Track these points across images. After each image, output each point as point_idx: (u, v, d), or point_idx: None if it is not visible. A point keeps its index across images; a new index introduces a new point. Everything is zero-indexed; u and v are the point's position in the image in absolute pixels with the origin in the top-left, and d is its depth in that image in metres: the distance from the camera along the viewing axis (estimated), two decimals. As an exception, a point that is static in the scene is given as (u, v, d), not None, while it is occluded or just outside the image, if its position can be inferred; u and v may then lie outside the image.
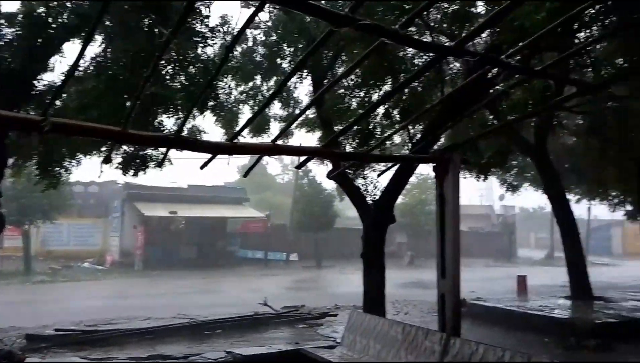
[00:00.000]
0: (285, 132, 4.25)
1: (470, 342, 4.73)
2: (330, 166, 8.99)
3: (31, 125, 3.42)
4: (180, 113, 7.27)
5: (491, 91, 7.43)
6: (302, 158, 5.31)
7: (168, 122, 7.22)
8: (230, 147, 4.15)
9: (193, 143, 4.01)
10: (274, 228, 31.14)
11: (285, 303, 11.32)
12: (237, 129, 9.14)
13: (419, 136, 9.18)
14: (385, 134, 7.67)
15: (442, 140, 12.58)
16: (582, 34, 6.16)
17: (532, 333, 9.12)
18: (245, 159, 49.69)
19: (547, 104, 5.26)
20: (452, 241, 5.08)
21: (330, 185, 30.76)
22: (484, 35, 8.68)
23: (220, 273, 23.28)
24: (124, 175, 6.52)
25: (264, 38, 9.15)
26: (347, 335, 6.46)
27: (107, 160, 4.79)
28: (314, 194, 29.09)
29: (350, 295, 12.96)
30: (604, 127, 11.44)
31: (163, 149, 6.80)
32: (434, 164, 5.33)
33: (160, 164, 4.47)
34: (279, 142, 4.46)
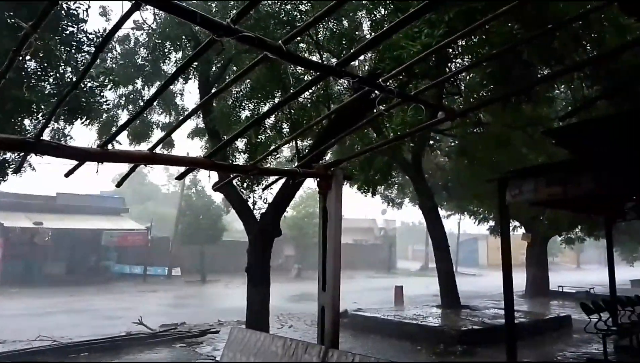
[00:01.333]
0: (165, 141, 4.02)
1: (347, 353, 4.83)
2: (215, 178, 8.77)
3: None
4: (53, 118, 6.60)
5: (374, 111, 7.84)
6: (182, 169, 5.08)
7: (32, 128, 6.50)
8: (101, 154, 3.81)
9: (56, 147, 3.60)
10: (156, 241, 29.54)
11: (164, 321, 10.72)
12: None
13: (307, 151, 9.37)
14: (271, 148, 7.69)
15: (330, 156, 13.02)
16: (453, 65, 6.76)
17: (407, 340, 9.67)
18: (124, 167, 46.57)
19: (418, 127, 5.66)
20: (334, 254, 5.18)
21: (219, 197, 30.10)
22: (368, 59, 9.18)
23: (91, 291, 21.38)
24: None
25: (147, 40, 8.70)
26: (227, 352, 6.25)
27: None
28: (202, 206, 28.20)
29: (234, 310, 12.68)
30: (471, 150, 12.68)
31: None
32: (318, 179, 5.42)
33: (17, 170, 3.95)
34: (158, 150, 4.20)
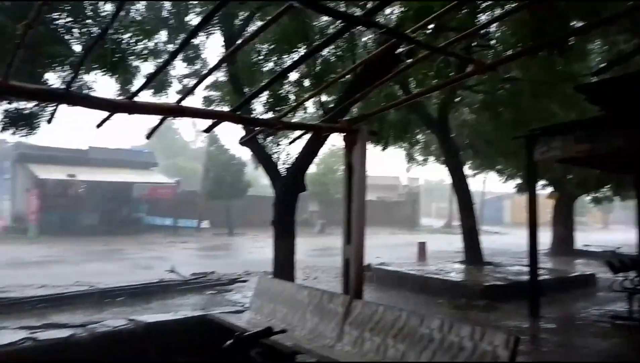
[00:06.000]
0: (190, 93, 4.08)
1: (371, 303, 4.98)
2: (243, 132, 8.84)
3: None
4: (80, 69, 6.70)
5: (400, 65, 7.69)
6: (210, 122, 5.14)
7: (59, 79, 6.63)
8: (130, 105, 3.89)
9: (86, 98, 3.70)
10: (185, 195, 30.25)
11: (194, 270, 11.14)
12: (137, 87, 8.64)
13: (331, 106, 9.31)
14: (295, 102, 7.67)
15: (354, 112, 12.89)
16: (483, 17, 6.53)
17: (429, 294, 9.85)
18: (154, 121, 47.09)
19: (446, 81, 5.55)
20: (358, 209, 5.25)
21: (242, 152, 30.42)
22: (396, 10, 8.90)
23: (124, 241, 22.27)
24: (16, 134, 5.89)
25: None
26: (255, 300, 6.51)
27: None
28: (224, 162, 28.55)
29: (261, 262, 13.05)
30: (499, 106, 12.37)
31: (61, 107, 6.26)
32: (344, 134, 5.43)
33: (50, 121, 4.08)
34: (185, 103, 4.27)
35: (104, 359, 5.59)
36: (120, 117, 4.20)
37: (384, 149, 11.33)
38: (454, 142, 14.64)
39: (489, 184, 42.41)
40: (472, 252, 13.57)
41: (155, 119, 4.57)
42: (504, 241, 26.72)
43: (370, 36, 9.98)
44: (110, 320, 6.27)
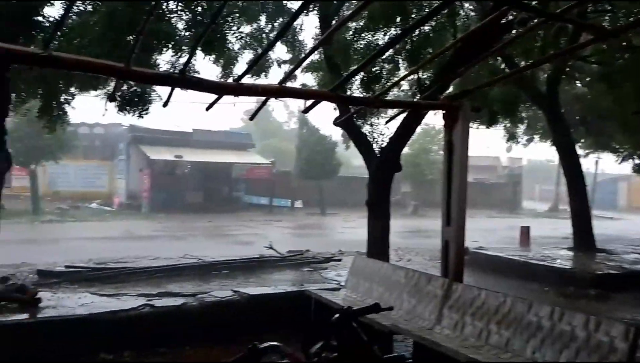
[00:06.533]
0: (292, 74, 4.15)
1: (472, 288, 4.82)
2: (336, 113, 8.85)
3: (31, 58, 3.34)
4: (182, 52, 7.12)
5: (505, 36, 7.19)
6: (309, 103, 5.21)
7: (163, 62, 7.07)
8: (236, 88, 4.06)
9: (198, 82, 3.91)
10: (279, 175, 31.26)
11: (290, 248, 11.52)
12: (236, 70, 8.97)
13: (427, 82, 8.97)
14: (395, 79, 7.49)
15: (451, 88, 12.33)
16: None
17: (533, 282, 9.29)
18: (250, 105, 49.08)
19: (561, 50, 5.07)
20: (459, 189, 5.06)
21: (332, 133, 30.63)
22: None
23: (225, 218, 23.63)
24: (129, 114, 6.43)
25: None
26: (351, 278, 6.59)
27: (112, 98, 4.73)
28: (315, 142, 28.95)
29: (353, 242, 13.14)
30: (617, 78, 11.13)
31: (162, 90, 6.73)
32: (444, 112, 5.23)
33: (165, 104, 4.40)
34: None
35: (212, 327, 6.01)
36: (220, 101, 4.39)
37: (489, 126, 10.72)
38: (564, 118, 13.46)
39: (603, 165, 38.81)
40: (582, 238, 12.52)
41: (251, 102, 4.72)
42: (619, 227, 24.35)
43: (470, 6, 9.44)
44: (217, 291, 6.71)
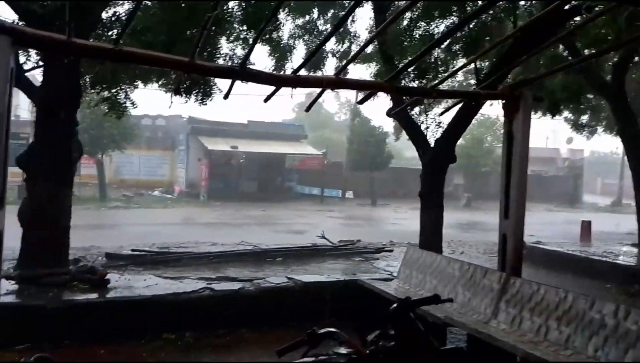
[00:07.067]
0: (348, 65, 4.19)
1: (531, 282, 4.71)
2: (388, 104, 8.80)
3: (102, 53, 3.56)
4: (238, 45, 7.33)
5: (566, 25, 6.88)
6: (362, 94, 5.23)
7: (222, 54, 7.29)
8: (294, 80, 4.15)
9: (257, 74, 4.03)
10: (330, 166, 31.42)
11: (341, 238, 11.61)
12: (290, 63, 9.10)
13: (484, 72, 8.72)
14: (453, 68, 7.34)
15: (509, 78, 11.88)
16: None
17: (594, 278, 8.90)
18: (301, 97, 49.50)
19: (634, 36, 4.80)
20: (518, 181, 4.94)
21: (384, 124, 30.39)
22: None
23: (278, 207, 24.08)
24: (194, 102, 6.73)
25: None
26: (404, 269, 6.60)
27: (176, 91, 4.96)
28: (366, 134, 28.83)
29: (404, 233, 13.07)
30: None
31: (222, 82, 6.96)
32: (503, 102, 5.10)
33: (226, 96, 4.57)
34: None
35: (267, 311, 6.21)
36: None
37: (553, 116, 10.29)
38: (630, 108, 12.69)
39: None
40: (651, 235, 11.82)
41: (302, 94, 4.81)
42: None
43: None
44: (272, 278, 6.91)
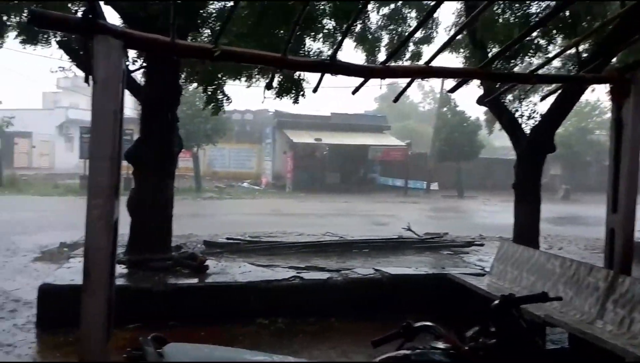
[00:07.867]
0: (439, 53, 4.07)
1: (643, 282, 4.32)
2: (476, 92, 8.44)
3: (203, 53, 3.76)
4: (325, 37, 7.40)
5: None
6: (453, 82, 5.06)
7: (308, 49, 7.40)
8: (383, 70, 4.12)
9: (347, 67, 4.04)
10: (414, 157, 30.83)
11: (427, 230, 11.37)
12: (378, 53, 9.01)
13: (585, 55, 8.05)
14: (542, 52, 6.88)
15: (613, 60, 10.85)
16: None
17: None
18: (384, 89, 48.92)
19: None
20: (628, 172, 4.54)
21: (474, 113, 29.15)
22: None
23: (361, 199, 24.12)
24: (286, 99, 6.94)
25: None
26: (497, 264, 6.34)
27: (269, 86, 5.13)
28: (457, 123, 27.81)
29: (494, 227, 12.53)
30: None
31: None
32: (611, 86, 4.70)
33: (315, 89, 4.65)
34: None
35: (355, 302, 6.28)
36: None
37: None
38: None
39: None
40: None
41: (384, 84, 4.75)
42: None
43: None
44: (359, 269, 6.96)
